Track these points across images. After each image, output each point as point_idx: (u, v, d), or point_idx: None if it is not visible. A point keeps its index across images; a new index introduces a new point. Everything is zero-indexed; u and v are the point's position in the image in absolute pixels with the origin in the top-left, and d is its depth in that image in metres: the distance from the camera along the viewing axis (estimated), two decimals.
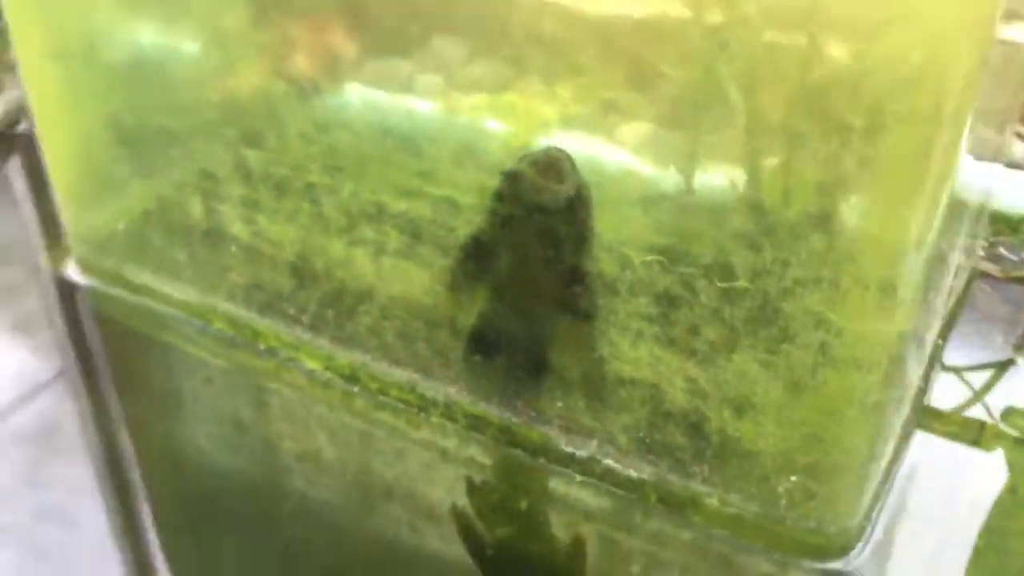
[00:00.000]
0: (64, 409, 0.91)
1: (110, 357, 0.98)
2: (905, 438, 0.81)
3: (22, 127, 1.22)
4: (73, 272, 1.02)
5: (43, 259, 1.07)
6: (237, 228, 0.88)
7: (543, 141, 0.71)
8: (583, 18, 0.67)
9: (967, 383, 0.90)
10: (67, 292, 1.03)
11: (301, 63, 0.82)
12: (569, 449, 0.79)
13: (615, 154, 0.70)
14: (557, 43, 0.69)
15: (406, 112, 0.77)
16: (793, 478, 0.70)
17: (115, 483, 0.85)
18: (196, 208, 0.90)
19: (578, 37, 0.68)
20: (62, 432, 0.89)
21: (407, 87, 0.76)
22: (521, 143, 0.72)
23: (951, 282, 0.87)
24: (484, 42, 0.71)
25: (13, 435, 0.87)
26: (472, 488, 0.81)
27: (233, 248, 0.89)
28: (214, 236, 0.90)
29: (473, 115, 0.74)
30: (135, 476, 0.86)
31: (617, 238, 0.69)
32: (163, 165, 0.92)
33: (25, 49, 0.94)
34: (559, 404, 0.78)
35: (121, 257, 0.98)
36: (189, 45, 0.86)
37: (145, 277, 0.97)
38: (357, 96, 0.79)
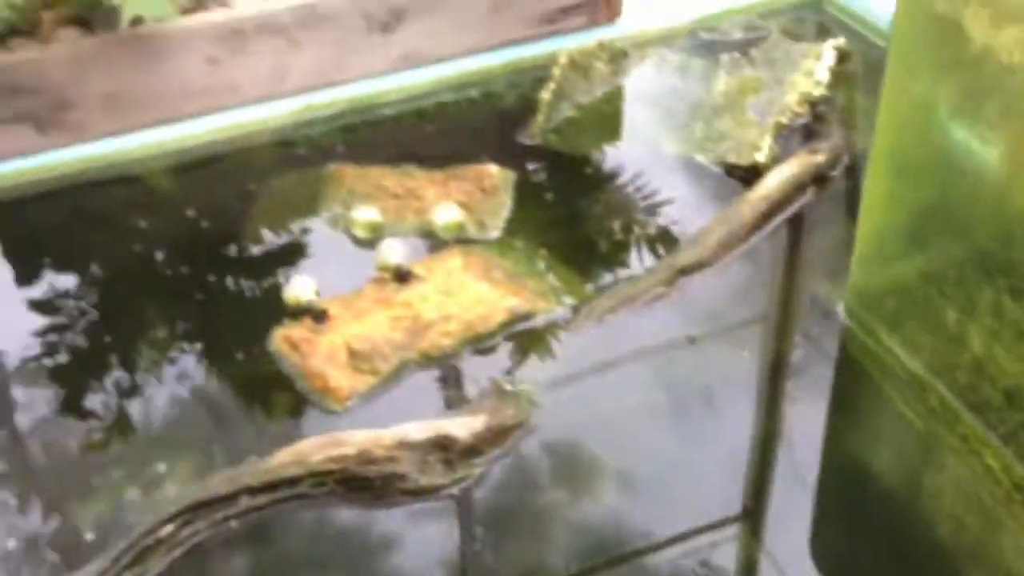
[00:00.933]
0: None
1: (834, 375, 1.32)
2: None
3: (835, 172, 1.57)
4: (840, 309, 1.35)
5: (821, 286, 1.43)
6: (976, 342, 1.14)
7: None
8: None
9: None
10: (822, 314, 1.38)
11: None
12: None
13: None
14: None
15: None
16: None
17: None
18: (950, 313, 1.17)
19: None
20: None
21: None
22: None
23: None
24: None
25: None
26: None
27: (967, 354, 1.15)
28: (958, 338, 1.16)
29: None
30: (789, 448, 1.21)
31: None
32: (935, 264, 1.20)
33: (880, 141, 1.25)
34: None
35: (875, 313, 1.29)
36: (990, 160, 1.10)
37: (888, 337, 1.27)
38: None
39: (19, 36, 1.54)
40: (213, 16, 1.61)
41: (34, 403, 1.29)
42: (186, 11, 1.62)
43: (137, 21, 1.48)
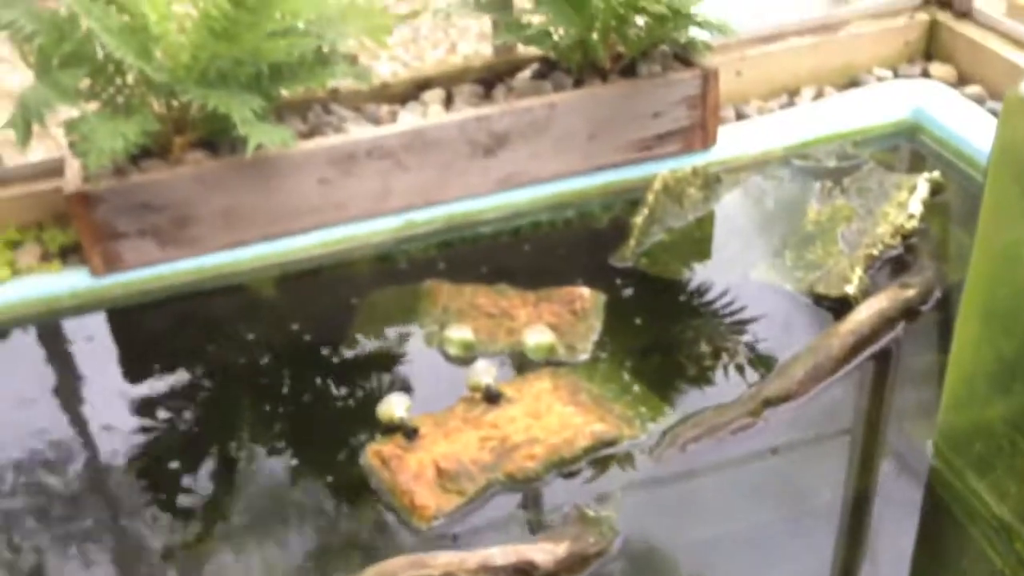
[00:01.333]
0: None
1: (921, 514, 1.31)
2: None
3: (926, 306, 1.57)
4: (928, 446, 1.35)
5: (908, 422, 1.43)
6: None
7: None
8: None
9: None
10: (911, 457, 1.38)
11: None
12: None
13: None
14: None
15: None
16: None
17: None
18: None
19: None
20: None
21: None
22: None
23: None
24: None
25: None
26: None
27: None
28: None
29: None
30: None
31: None
32: (1022, 412, 1.19)
33: (971, 287, 1.26)
34: None
35: (963, 455, 1.28)
36: None
37: (976, 481, 1.26)
38: None
39: (151, 158, 1.67)
40: (329, 140, 1.72)
41: (127, 500, 1.37)
42: (303, 136, 1.73)
43: (260, 147, 1.59)
